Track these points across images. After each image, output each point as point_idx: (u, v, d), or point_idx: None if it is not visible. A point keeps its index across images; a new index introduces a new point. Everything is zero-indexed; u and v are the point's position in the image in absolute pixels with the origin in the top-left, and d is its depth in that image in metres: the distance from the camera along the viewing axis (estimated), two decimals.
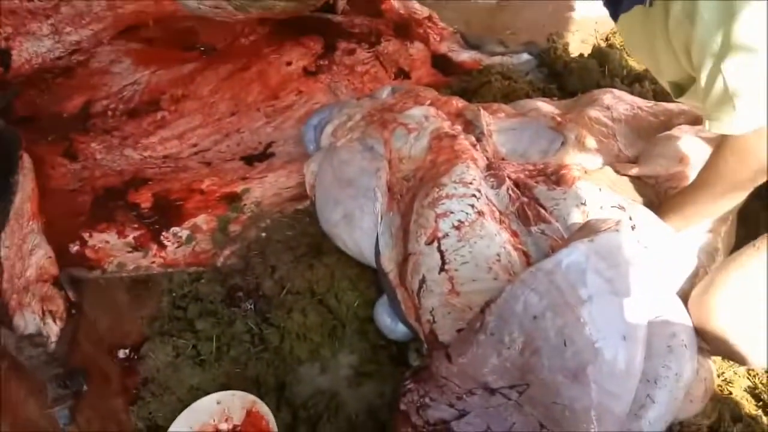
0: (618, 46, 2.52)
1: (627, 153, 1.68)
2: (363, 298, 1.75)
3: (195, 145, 2.40)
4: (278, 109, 2.50)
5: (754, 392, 1.58)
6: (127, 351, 1.83)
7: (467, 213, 1.46)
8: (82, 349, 1.86)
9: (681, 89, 1.44)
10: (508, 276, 1.36)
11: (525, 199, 1.51)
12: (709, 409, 1.45)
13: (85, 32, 2.59)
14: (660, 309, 1.31)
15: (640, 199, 1.53)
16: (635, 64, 2.43)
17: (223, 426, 1.58)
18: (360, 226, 1.71)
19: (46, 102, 2.56)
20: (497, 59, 2.55)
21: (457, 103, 1.95)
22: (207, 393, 1.63)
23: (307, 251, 1.90)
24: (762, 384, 1.58)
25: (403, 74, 2.61)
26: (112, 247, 2.04)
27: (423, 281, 1.45)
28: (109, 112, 2.51)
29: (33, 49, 2.50)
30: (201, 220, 2.08)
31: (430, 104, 1.91)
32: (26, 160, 2.14)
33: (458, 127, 1.79)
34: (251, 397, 1.57)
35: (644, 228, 1.41)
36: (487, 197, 1.52)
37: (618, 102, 1.81)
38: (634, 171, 1.58)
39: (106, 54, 2.67)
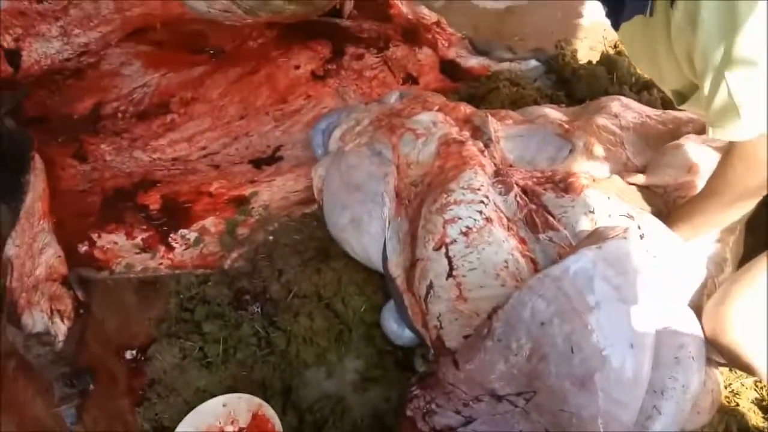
0: (626, 53, 2.51)
1: (635, 161, 1.68)
2: (370, 303, 1.75)
3: (204, 148, 2.41)
4: (287, 112, 2.51)
5: (761, 404, 1.57)
6: (134, 352, 1.84)
7: (475, 219, 1.46)
8: (89, 349, 1.88)
9: (683, 97, 1.44)
10: (516, 283, 1.36)
11: (533, 206, 1.51)
12: (716, 421, 1.45)
13: (93, 34, 2.61)
14: (668, 319, 1.30)
15: (648, 208, 1.53)
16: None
17: (229, 428, 1.58)
18: (367, 231, 1.72)
19: (56, 103, 2.58)
20: (505, 65, 2.55)
21: (465, 109, 1.95)
22: (213, 395, 1.64)
23: (315, 255, 1.91)
24: None
25: (411, 79, 2.62)
26: (121, 248, 2.05)
27: (430, 287, 1.45)
28: (119, 114, 2.53)
29: (42, 50, 2.53)
30: (209, 222, 2.09)
31: (438, 110, 1.91)
32: (38, 161, 2.15)
33: (466, 133, 1.79)
34: (257, 400, 1.57)
35: (653, 237, 1.40)
36: (495, 204, 1.52)
37: (626, 110, 1.81)
38: (643, 180, 1.58)
39: (117, 56, 2.69)
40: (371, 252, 1.73)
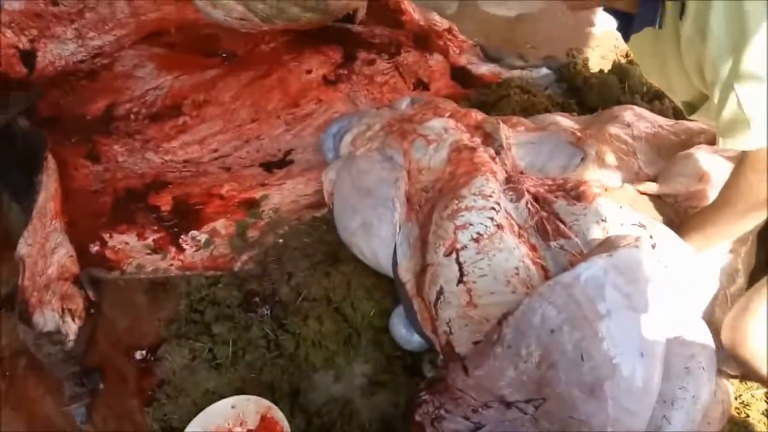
0: (637, 64, 2.52)
1: (647, 171, 1.68)
2: (379, 308, 1.76)
3: (215, 151, 2.43)
4: (298, 116, 2.53)
5: None
6: (144, 352, 1.85)
7: (486, 225, 1.47)
8: (99, 348, 1.89)
9: (693, 108, 1.44)
10: (527, 289, 1.37)
11: (544, 214, 1.51)
12: None
13: (108, 37, 2.65)
14: (679, 329, 1.30)
15: (660, 217, 1.53)
16: None
17: (238, 430, 1.59)
18: (378, 236, 1.72)
19: (70, 104, 2.60)
20: (516, 73, 2.56)
21: (477, 115, 1.96)
22: (222, 397, 1.64)
23: (324, 259, 1.92)
24: None
25: (422, 85, 2.63)
26: (132, 248, 2.07)
27: (441, 292, 1.45)
28: (132, 116, 2.54)
29: (57, 51, 2.56)
30: (220, 224, 2.10)
31: (450, 116, 1.92)
32: (50, 161, 2.17)
33: (477, 140, 1.80)
34: (266, 403, 1.58)
35: (665, 247, 1.40)
36: (506, 210, 1.52)
37: (638, 119, 1.81)
38: (655, 189, 1.58)
39: (130, 58, 2.72)
40: (381, 256, 1.73)
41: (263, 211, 2.12)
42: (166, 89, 2.62)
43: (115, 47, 2.69)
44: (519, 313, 1.23)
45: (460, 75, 2.64)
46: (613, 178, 1.64)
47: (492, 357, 1.25)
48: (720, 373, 1.39)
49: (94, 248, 2.06)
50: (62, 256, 1.98)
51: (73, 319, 1.88)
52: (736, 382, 1.55)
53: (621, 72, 2.42)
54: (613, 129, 1.75)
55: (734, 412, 1.51)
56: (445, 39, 2.71)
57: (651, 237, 1.41)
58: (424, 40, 2.72)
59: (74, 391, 1.76)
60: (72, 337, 1.85)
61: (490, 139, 1.81)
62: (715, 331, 1.41)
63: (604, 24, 2.81)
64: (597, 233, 1.43)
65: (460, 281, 1.43)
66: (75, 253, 2.00)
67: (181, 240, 2.07)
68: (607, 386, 1.14)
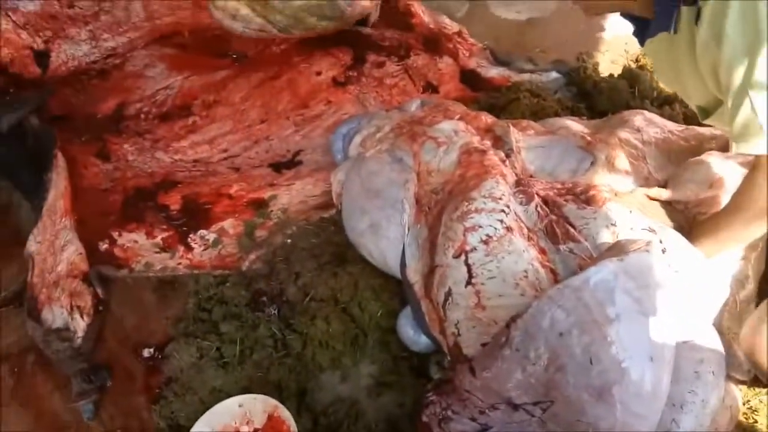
0: (649, 67, 2.51)
1: (657, 176, 1.68)
2: (386, 309, 1.76)
3: (225, 151, 2.44)
4: (307, 118, 2.53)
5: None
6: (151, 350, 1.86)
7: (496, 228, 1.47)
8: (107, 346, 1.90)
9: (707, 112, 1.44)
10: (535, 292, 1.37)
11: (554, 217, 1.51)
12: None
13: (122, 39, 2.68)
14: (689, 334, 1.30)
15: (670, 223, 1.53)
16: (665, 86, 2.43)
17: (245, 429, 1.59)
18: (386, 237, 1.73)
19: (80, 102, 2.62)
20: (526, 76, 2.56)
21: (487, 118, 1.96)
22: (229, 395, 1.65)
23: (332, 259, 1.92)
24: None
25: (431, 88, 2.63)
26: (141, 247, 2.08)
27: (449, 294, 1.45)
28: (142, 115, 2.56)
29: (70, 51, 2.59)
30: (228, 224, 2.11)
31: (460, 119, 1.92)
32: (60, 159, 2.18)
33: (487, 143, 1.80)
34: (273, 402, 1.58)
35: (675, 252, 1.40)
36: (515, 213, 1.52)
37: (649, 124, 1.81)
38: (665, 195, 1.57)
39: (141, 58, 2.73)
40: (389, 257, 1.73)
41: (272, 211, 2.13)
42: (176, 89, 2.63)
43: (127, 48, 2.71)
44: (528, 315, 1.23)
45: (469, 78, 2.64)
46: (623, 182, 1.63)
47: (500, 359, 1.25)
48: (728, 378, 1.38)
49: (104, 246, 2.07)
50: (71, 253, 1.99)
51: (82, 316, 1.90)
52: (744, 387, 1.54)
53: (631, 77, 2.42)
54: (623, 134, 1.75)
55: (742, 418, 1.50)
56: (455, 42, 2.72)
57: (661, 242, 1.41)
58: (434, 42, 2.72)
59: (82, 388, 1.77)
60: (80, 334, 1.86)
61: (500, 142, 1.81)
62: (724, 337, 1.41)
63: (614, 28, 2.81)
64: (607, 237, 1.42)
65: (468, 283, 1.43)
66: (84, 251, 2.02)
67: (189, 239, 2.08)
68: (616, 390, 1.14)
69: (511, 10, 2.97)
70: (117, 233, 2.10)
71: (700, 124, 1.83)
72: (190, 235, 2.09)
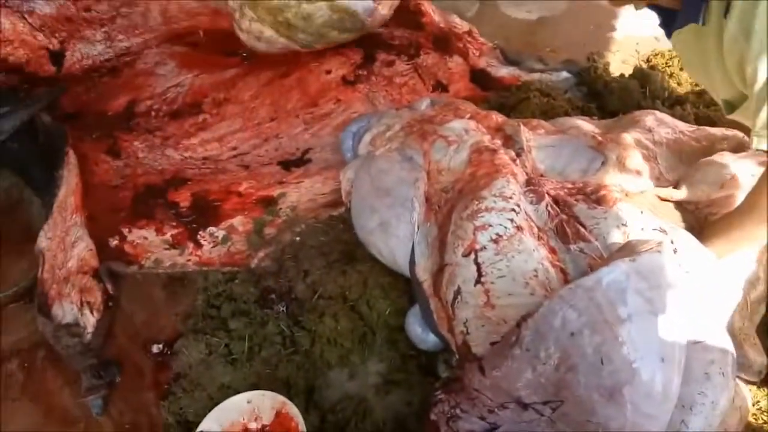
0: (660, 68, 2.50)
1: (668, 177, 1.67)
2: (394, 307, 1.76)
3: (234, 149, 2.44)
4: (317, 116, 2.54)
5: None
6: (160, 346, 1.87)
7: (506, 227, 1.47)
8: (117, 341, 1.91)
9: (733, 107, 1.43)
10: (545, 292, 1.36)
11: (564, 217, 1.50)
12: None
13: (136, 40, 2.71)
14: (700, 334, 1.29)
15: (681, 223, 1.52)
16: (677, 86, 2.42)
17: (253, 425, 1.59)
18: (396, 235, 1.73)
19: (92, 100, 2.64)
20: (536, 76, 2.55)
21: (497, 117, 1.96)
22: (237, 392, 1.65)
23: (340, 257, 1.92)
24: None
25: (441, 87, 2.63)
26: (150, 243, 2.09)
27: (458, 292, 1.45)
28: (153, 113, 2.57)
29: (85, 51, 2.63)
30: (237, 221, 2.11)
31: (470, 118, 1.92)
32: (71, 156, 2.20)
33: (498, 142, 1.80)
34: (281, 398, 1.58)
35: (686, 253, 1.39)
36: (526, 212, 1.52)
37: (660, 125, 1.80)
38: (676, 196, 1.56)
39: (152, 56, 2.75)
40: (398, 255, 1.73)
41: (280, 209, 2.14)
42: (186, 87, 2.65)
43: (141, 47, 2.74)
44: (539, 315, 1.22)
45: (479, 77, 2.63)
46: (633, 182, 1.63)
47: (510, 358, 1.25)
48: (738, 379, 1.37)
49: (114, 242, 2.09)
50: (82, 249, 2.00)
51: (92, 312, 1.91)
52: (753, 388, 1.54)
53: (642, 77, 2.40)
54: (635, 134, 1.74)
55: (752, 419, 1.50)
56: (465, 41, 2.71)
57: (672, 242, 1.40)
58: (444, 42, 2.72)
59: (91, 383, 1.78)
60: (90, 329, 1.87)
61: (510, 141, 1.80)
62: (735, 338, 1.40)
63: (625, 28, 2.80)
64: (617, 237, 1.42)
65: (477, 282, 1.43)
66: (94, 247, 2.03)
67: (199, 236, 2.09)
68: (627, 391, 1.13)
69: (521, 9, 2.97)
70: (127, 230, 2.12)
71: (711, 125, 1.82)
72: (200, 232, 2.10)
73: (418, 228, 1.67)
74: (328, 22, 2.32)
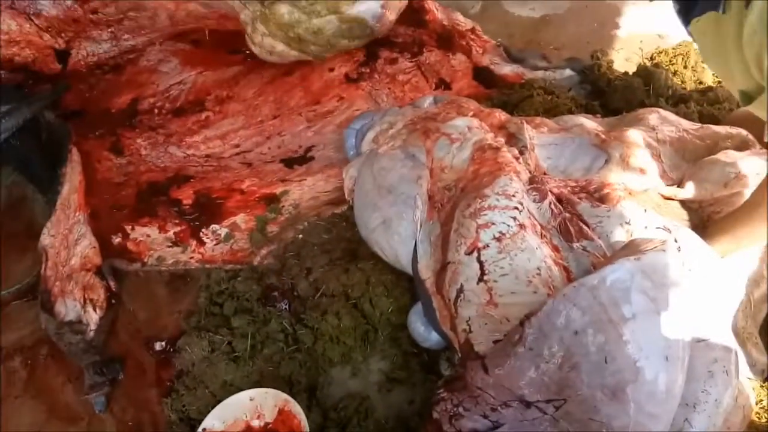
0: (663, 65, 2.49)
1: (671, 175, 1.66)
2: (397, 305, 1.76)
3: (237, 146, 2.44)
4: (319, 114, 2.54)
5: None
6: (163, 343, 1.87)
7: (509, 225, 1.46)
8: (119, 339, 1.91)
9: (750, 98, 1.42)
10: (548, 290, 1.36)
11: (567, 215, 1.50)
12: None
13: (142, 39, 2.72)
14: (703, 333, 1.29)
15: (685, 222, 1.52)
16: (681, 84, 2.41)
17: (255, 422, 1.59)
18: (398, 233, 1.72)
19: (95, 97, 2.64)
20: (539, 74, 2.54)
21: (500, 115, 1.95)
22: (240, 389, 1.65)
23: (343, 255, 1.92)
24: None
25: (444, 85, 2.62)
26: (153, 240, 2.09)
27: (461, 290, 1.45)
28: (156, 110, 2.58)
29: (91, 49, 2.64)
30: (240, 219, 2.12)
31: (473, 115, 1.91)
32: (75, 153, 2.20)
33: (501, 140, 1.79)
34: (284, 396, 1.58)
35: (690, 251, 1.39)
36: (529, 210, 1.52)
37: (664, 123, 1.79)
38: (680, 194, 1.56)
39: (155, 53, 2.75)
40: (401, 253, 1.73)
41: (283, 206, 2.14)
42: (189, 84, 2.65)
43: (145, 45, 2.74)
44: (542, 314, 1.22)
45: (482, 75, 2.62)
46: (637, 181, 1.62)
47: (513, 357, 1.25)
48: (742, 377, 1.37)
49: (116, 240, 2.09)
50: (85, 247, 2.01)
51: (95, 309, 1.91)
52: (757, 387, 1.53)
53: (646, 74, 2.39)
54: (638, 132, 1.73)
55: (755, 417, 1.49)
56: (468, 39, 2.70)
57: (676, 241, 1.40)
58: (447, 39, 2.71)
59: (94, 380, 1.79)
60: (93, 326, 1.88)
61: (513, 139, 1.80)
62: (738, 336, 1.39)
63: (628, 26, 2.79)
64: (621, 236, 1.42)
65: (480, 280, 1.43)
66: (97, 245, 2.03)
67: (201, 233, 2.09)
68: (630, 390, 1.13)
69: (525, 6, 2.96)
70: (130, 227, 2.12)
71: (715, 124, 1.81)
72: (202, 230, 2.10)
73: (420, 226, 1.67)
74: (338, 32, 2.34)
